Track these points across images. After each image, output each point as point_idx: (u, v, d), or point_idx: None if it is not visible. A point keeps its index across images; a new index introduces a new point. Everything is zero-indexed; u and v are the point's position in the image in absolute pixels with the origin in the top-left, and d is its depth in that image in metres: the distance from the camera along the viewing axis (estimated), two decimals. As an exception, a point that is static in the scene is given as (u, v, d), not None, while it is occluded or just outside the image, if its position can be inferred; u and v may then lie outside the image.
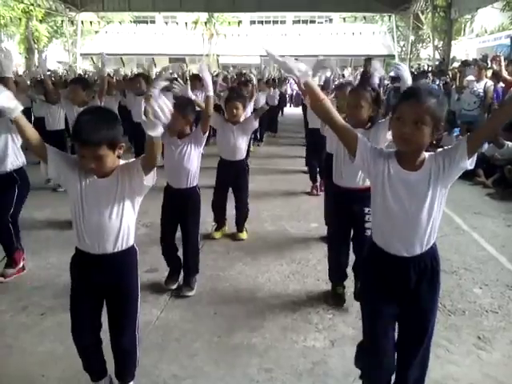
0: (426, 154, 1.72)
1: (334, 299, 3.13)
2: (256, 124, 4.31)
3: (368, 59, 8.02)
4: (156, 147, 1.78)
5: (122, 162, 1.94)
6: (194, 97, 3.86)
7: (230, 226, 4.43)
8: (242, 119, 4.23)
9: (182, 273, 3.34)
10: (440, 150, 1.72)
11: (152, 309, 3.02)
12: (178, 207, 3.22)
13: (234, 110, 4.10)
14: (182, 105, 3.06)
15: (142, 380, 2.29)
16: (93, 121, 1.81)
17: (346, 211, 2.98)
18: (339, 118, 1.76)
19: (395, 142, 1.71)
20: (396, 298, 1.81)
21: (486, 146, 6.88)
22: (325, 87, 5.74)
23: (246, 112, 6.98)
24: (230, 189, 4.37)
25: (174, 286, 3.28)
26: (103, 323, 2.09)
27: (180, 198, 3.23)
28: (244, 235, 4.35)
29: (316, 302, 3.11)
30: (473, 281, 3.47)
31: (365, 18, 27.98)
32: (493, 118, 1.84)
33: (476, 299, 3.18)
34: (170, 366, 2.45)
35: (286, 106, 17.44)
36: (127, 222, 1.94)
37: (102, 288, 1.98)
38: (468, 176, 6.43)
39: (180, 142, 3.17)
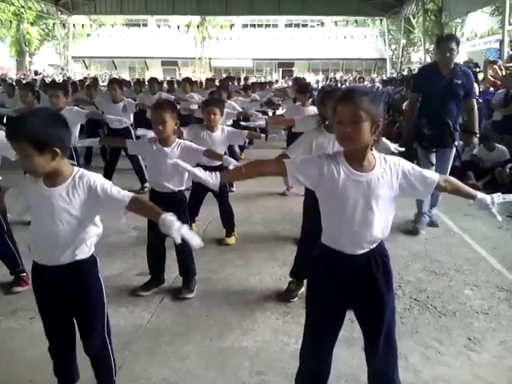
0: (376, 157, 1.76)
1: None
2: (241, 141, 4.30)
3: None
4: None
5: (93, 174, 1.85)
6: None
7: (218, 229, 4.42)
8: (219, 124, 4.08)
9: (162, 282, 3.36)
10: (400, 165, 1.77)
11: (142, 312, 3.00)
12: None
13: (212, 116, 3.92)
14: (170, 106, 3.07)
15: (132, 384, 2.27)
16: (25, 117, 1.70)
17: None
18: (263, 166, 1.92)
19: (341, 145, 1.74)
20: (349, 297, 1.82)
21: (476, 147, 6.93)
22: (305, 91, 5.77)
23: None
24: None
25: (146, 294, 3.22)
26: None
27: (166, 203, 3.18)
28: (232, 240, 4.26)
29: (307, 305, 3.10)
30: (463, 282, 3.48)
31: (356, 21, 28.15)
32: (457, 190, 2.14)
33: (466, 300, 3.20)
34: (161, 370, 2.43)
35: (277, 109, 17.43)
36: (83, 232, 1.84)
37: (62, 299, 1.92)
38: (458, 178, 6.44)
39: (167, 150, 3.08)
